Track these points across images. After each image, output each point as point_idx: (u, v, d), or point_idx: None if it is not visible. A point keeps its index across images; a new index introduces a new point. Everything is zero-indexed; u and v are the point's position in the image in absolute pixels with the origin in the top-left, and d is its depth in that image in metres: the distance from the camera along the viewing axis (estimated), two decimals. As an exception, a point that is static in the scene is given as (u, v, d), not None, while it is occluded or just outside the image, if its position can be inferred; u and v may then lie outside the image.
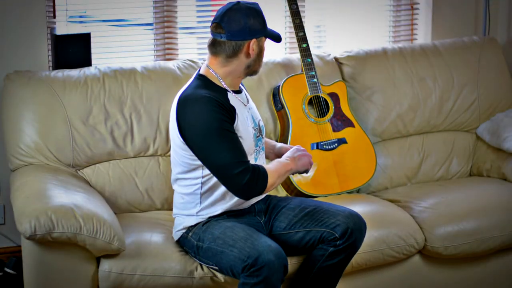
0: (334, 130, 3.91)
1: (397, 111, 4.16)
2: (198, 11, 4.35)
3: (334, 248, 3.17)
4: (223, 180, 3.08)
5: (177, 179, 3.29)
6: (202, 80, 3.19)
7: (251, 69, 3.22)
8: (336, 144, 3.90)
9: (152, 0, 4.19)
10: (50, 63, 3.99)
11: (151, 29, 4.23)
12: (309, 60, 3.91)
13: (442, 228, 3.64)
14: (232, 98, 3.20)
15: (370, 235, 3.48)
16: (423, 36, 4.67)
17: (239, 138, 3.12)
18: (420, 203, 3.80)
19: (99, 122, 3.68)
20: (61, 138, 3.64)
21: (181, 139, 3.14)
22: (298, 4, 4.40)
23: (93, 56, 3.92)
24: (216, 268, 3.16)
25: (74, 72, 3.75)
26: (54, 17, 4.02)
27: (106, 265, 3.16)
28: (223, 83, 3.20)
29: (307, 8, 4.45)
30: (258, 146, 3.28)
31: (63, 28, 4.00)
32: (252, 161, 3.22)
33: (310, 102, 3.93)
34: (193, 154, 3.14)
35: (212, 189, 3.21)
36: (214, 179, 3.17)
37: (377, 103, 4.13)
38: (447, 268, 3.71)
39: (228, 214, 3.24)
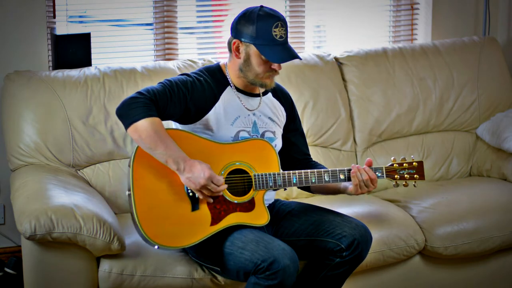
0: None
1: (397, 111, 4.16)
2: (198, 11, 4.35)
3: (340, 259, 3.16)
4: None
5: None
6: (216, 67, 3.25)
7: (245, 74, 3.18)
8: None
9: (152, 0, 4.19)
10: (50, 63, 3.99)
11: (151, 29, 4.23)
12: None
13: (442, 228, 3.64)
14: (231, 93, 3.21)
15: (370, 235, 3.48)
16: (423, 36, 4.67)
17: (211, 125, 3.14)
18: (420, 203, 3.80)
19: (99, 122, 3.68)
20: (61, 138, 3.64)
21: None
22: (298, 4, 4.40)
23: (93, 56, 3.92)
24: (218, 269, 3.15)
25: (74, 72, 3.75)
26: (54, 17, 4.02)
27: (106, 266, 3.16)
28: (228, 76, 3.22)
29: (307, 8, 4.45)
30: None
31: (63, 28, 4.00)
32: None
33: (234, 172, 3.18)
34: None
35: None
36: None
37: (377, 103, 4.13)
38: (447, 269, 3.71)
39: None
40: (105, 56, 4.13)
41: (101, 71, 3.77)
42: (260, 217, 3.15)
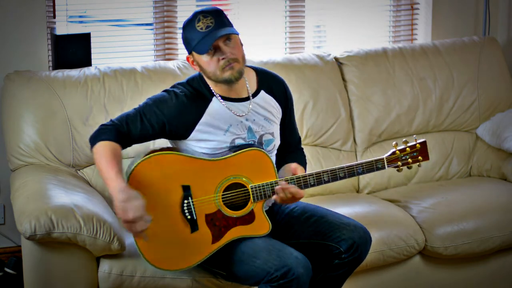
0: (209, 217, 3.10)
1: (397, 111, 4.16)
2: (198, 11, 4.35)
3: (339, 261, 3.14)
4: None
5: None
6: (197, 77, 3.17)
7: (211, 78, 3.09)
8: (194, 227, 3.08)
9: (152, 0, 4.19)
10: (50, 63, 3.99)
11: (151, 29, 4.23)
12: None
13: (442, 228, 3.64)
14: (217, 104, 3.12)
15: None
16: (423, 36, 4.67)
17: (202, 131, 3.09)
18: (420, 203, 3.80)
19: (99, 122, 3.67)
20: (61, 138, 3.64)
21: None
22: (298, 4, 4.41)
23: (93, 56, 3.92)
24: (224, 273, 3.14)
25: (74, 72, 3.75)
26: (54, 17, 4.02)
27: (106, 266, 3.16)
28: (210, 87, 3.14)
29: (307, 8, 4.45)
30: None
31: (63, 28, 4.00)
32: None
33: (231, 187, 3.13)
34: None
35: None
36: None
37: (377, 103, 4.13)
38: (447, 269, 3.71)
39: None
40: (105, 56, 4.13)
41: (101, 71, 3.77)
42: (261, 227, 3.12)
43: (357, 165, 3.20)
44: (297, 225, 3.21)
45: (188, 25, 3.07)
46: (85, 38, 3.87)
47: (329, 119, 4.03)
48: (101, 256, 3.18)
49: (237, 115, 3.15)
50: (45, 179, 3.41)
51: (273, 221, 3.23)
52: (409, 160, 3.21)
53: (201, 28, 3.03)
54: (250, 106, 3.18)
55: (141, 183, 2.99)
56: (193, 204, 3.04)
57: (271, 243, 3.04)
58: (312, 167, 3.92)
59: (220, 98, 3.13)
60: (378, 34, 4.67)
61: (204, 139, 3.11)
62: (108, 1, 4.15)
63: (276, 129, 3.26)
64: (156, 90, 3.74)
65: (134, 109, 3.11)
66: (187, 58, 3.12)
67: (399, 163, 3.21)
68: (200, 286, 3.19)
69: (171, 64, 3.90)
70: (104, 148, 3.00)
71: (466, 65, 4.31)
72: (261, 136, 3.19)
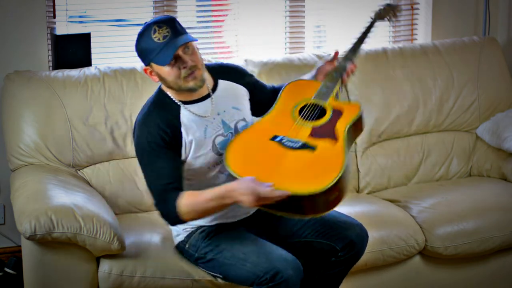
0: (311, 135, 3.12)
1: (397, 111, 4.16)
2: (198, 11, 4.35)
3: (335, 259, 3.15)
4: None
5: None
6: (158, 96, 3.09)
7: (173, 88, 3.03)
8: (298, 145, 3.07)
9: (152, 0, 4.19)
10: (50, 63, 3.99)
11: (151, 29, 4.23)
12: (336, 74, 3.31)
13: (442, 228, 3.64)
14: (185, 113, 3.06)
15: (370, 236, 3.46)
16: (423, 36, 4.67)
17: (194, 153, 3.04)
18: (420, 203, 3.80)
19: (99, 122, 3.68)
20: (61, 138, 3.64)
21: None
22: (298, 4, 4.41)
23: (93, 56, 3.92)
24: (221, 276, 3.14)
25: (74, 72, 3.75)
26: (54, 17, 4.02)
27: (106, 266, 3.16)
28: (172, 97, 3.07)
29: (307, 8, 4.45)
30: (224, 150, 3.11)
31: (63, 28, 4.00)
32: (215, 169, 3.09)
33: (306, 107, 3.25)
34: None
35: None
36: (197, 187, 3.07)
37: (377, 103, 4.13)
38: (447, 269, 3.71)
39: (227, 222, 3.17)
40: (105, 56, 4.13)
41: (101, 71, 3.77)
42: (352, 109, 3.17)
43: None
44: (293, 224, 3.21)
45: (143, 37, 3.00)
46: (85, 38, 3.87)
47: (329, 119, 4.02)
48: (101, 256, 3.18)
49: (204, 116, 3.09)
50: (45, 179, 3.41)
51: (270, 220, 3.24)
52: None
53: (158, 39, 2.97)
54: (212, 101, 3.13)
55: (239, 163, 3.00)
56: (289, 138, 3.06)
57: (261, 245, 3.04)
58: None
59: (184, 105, 3.07)
60: (378, 34, 4.66)
61: (198, 155, 3.07)
62: (108, 1, 4.15)
63: (247, 111, 3.22)
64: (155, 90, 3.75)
65: (155, 162, 2.99)
66: (145, 70, 3.04)
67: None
68: (200, 286, 3.20)
69: (171, 64, 3.89)
70: (185, 202, 2.92)
71: (466, 65, 4.31)
72: (235, 125, 3.15)
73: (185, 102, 3.07)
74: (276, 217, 3.20)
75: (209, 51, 4.34)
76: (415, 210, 3.76)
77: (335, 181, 2.90)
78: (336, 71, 3.29)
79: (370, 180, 4.07)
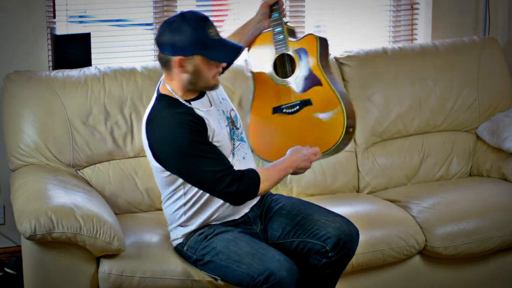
0: (298, 91, 3.49)
1: (397, 111, 4.16)
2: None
3: (327, 260, 3.16)
4: (213, 194, 3.06)
5: (164, 197, 3.25)
6: (164, 100, 3.09)
7: (195, 86, 3.07)
8: (298, 107, 3.48)
9: (152, 0, 4.19)
10: (50, 63, 3.99)
11: (151, 29, 4.23)
12: (277, 14, 3.53)
13: (442, 228, 3.64)
14: (196, 109, 3.10)
15: (370, 235, 3.48)
16: (423, 36, 4.67)
17: (217, 144, 3.08)
18: (420, 203, 3.80)
19: (99, 122, 3.68)
20: (61, 138, 3.64)
21: (156, 162, 3.09)
22: (298, 4, 4.41)
23: (93, 56, 3.92)
24: (218, 278, 3.15)
25: (74, 72, 3.75)
26: (54, 17, 4.02)
27: (106, 266, 3.16)
28: (178, 97, 3.08)
29: (307, 8, 4.45)
30: (234, 140, 3.21)
31: (63, 28, 4.00)
32: (230, 158, 3.14)
33: (275, 63, 3.55)
34: (168, 172, 3.10)
35: (196, 201, 3.16)
36: (195, 190, 3.13)
37: (377, 103, 4.13)
38: (447, 268, 3.71)
39: (224, 224, 3.19)
40: (105, 56, 4.13)
41: (101, 71, 3.77)
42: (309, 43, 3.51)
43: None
44: (284, 223, 3.23)
45: (200, 28, 2.99)
46: (85, 38, 3.87)
47: (329, 119, 4.03)
48: (101, 256, 3.18)
49: (210, 109, 3.15)
50: (45, 179, 3.41)
51: (263, 219, 3.27)
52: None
53: (213, 36, 3.01)
54: (208, 96, 3.19)
55: (265, 151, 3.48)
56: (285, 104, 3.49)
57: (255, 247, 3.05)
58: (312, 167, 3.91)
59: (191, 103, 3.11)
60: (378, 34, 4.67)
61: (219, 145, 3.12)
62: (108, 1, 4.15)
63: (230, 102, 3.34)
64: (156, 90, 3.75)
65: (204, 153, 3.01)
66: (180, 60, 3.00)
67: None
68: (200, 287, 3.20)
69: (171, 64, 3.89)
70: (261, 178, 3.06)
71: (466, 65, 4.31)
72: (230, 112, 3.25)
73: (189, 101, 3.11)
74: (269, 216, 3.26)
75: (209, 51, 4.34)
76: (415, 210, 3.76)
77: (345, 125, 3.40)
78: (273, 13, 3.54)
79: (370, 180, 4.07)
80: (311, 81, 3.47)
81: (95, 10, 4.17)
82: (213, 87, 3.11)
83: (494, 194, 3.93)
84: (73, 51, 3.85)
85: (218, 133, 3.12)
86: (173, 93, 3.09)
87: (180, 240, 3.22)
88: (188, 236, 3.20)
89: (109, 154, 3.71)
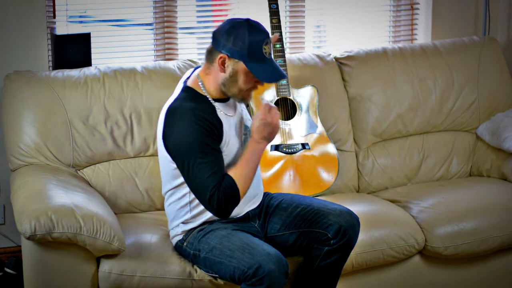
0: (298, 134, 3.83)
1: (397, 111, 4.16)
2: (198, 11, 4.35)
3: (329, 247, 3.18)
4: (199, 200, 3.07)
5: (167, 191, 3.26)
6: (189, 93, 3.11)
7: (227, 89, 3.08)
8: (297, 148, 3.81)
9: (152, 0, 4.19)
10: (50, 63, 3.99)
11: (151, 29, 4.23)
12: (281, 61, 3.80)
13: (442, 228, 3.64)
14: (218, 111, 3.12)
15: (370, 235, 3.48)
16: (423, 36, 4.67)
17: (225, 151, 3.09)
18: (420, 203, 3.80)
19: (99, 122, 3.68)
20: (61, 138, 3.64)
21: (165, 150, 3.11)
22: (298, 4, 4.41)
23: (93, 56, 3.92)
24: (216, 275, 3.16)
25: (74, 72, 3.75)
26: (54, 17, 4.02)
27: (106, 266, 3.16)
28: (205, 93, 3.11)
29: (307, 8, 4.45)
30: None
31: (63, 28, 4.00)
32: None
33: (277, 104, 3.82)
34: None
35: None
36: None
37: (377, 103, 4.13)
38: (447, 268, 3.71)
39: (222, 221, 3.21)
40: (105, 56, 4.13)
41: (101, 71, 3.77)
42: None
43: None
44: (284, 216, 3.26)
45: (257, 40, 3.00)
46: (85, 38, 3.87)
47: (329, 119, 4.03)
48: (101, 256, 3.18)
49: (232, 115, 3.17)
50: (45, 179, 3.41)
51: (264, 215, 3.29)
52: None
53: (266, 53, 3.02)
54: (234, 102, 3.21)
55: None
56: (285, 144, 3.78)
57: (246, 241, 3.07)
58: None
59: (216, 103, 3.13)
60: (378, 34, 4.67)
61: (230, 152, 3.14)
62: (108, 1, 4.15)
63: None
64: (156, 90, 3.76)
65: (208, 159, 3.01)
66: (224, 57, 3.02)
67: None
68: (200, 286, 3.20)
69: (171, 64, 3.90)
70: (236, 181, 3.03)
71: (466, 65, 4.31)
72: (246, 124, 3.26)
73: (216, 100, 3.13)
74: (270, 212, 3.29)
75: (209, 51, 4.34)
76: (415, 210, 3.76)
77: (338, 167, 3.85)
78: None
79: (370, 180, 4.07)
80: (310, 128, 3.83)
81: (95, 10, 4.17)
82: (243, 100, 3.12)
83: (494, 194, 3.93)
84: (73, 51, 3.85)
85: (231, 142, 3.12)
86: (203, 90, 3.11)
87: (180, 237, 3.23)
88: (188, 232, 3.21)
89: (109, 154, 3.71)
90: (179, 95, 3.14)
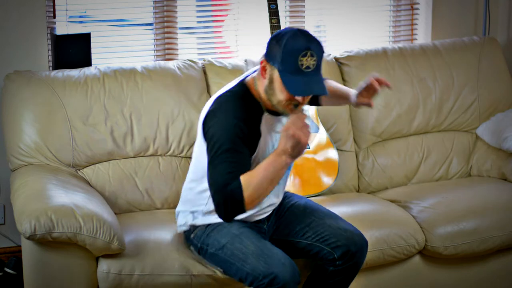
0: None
1: (397, 111, 4.16)
2: (198, 11, 4.35)
3: (333, 268, 3.16)
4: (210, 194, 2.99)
5: (192, 179, 3.21)
6: (244, 90, 3.03)
7: (269, 97, 2.95)
8: None
9: (152, 0, 4.19)
10: (50, 63, 3.99)
11: (151, 29, 4.23)
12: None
13: (442, 228, 3.64)
14: (264, 122, 3.04)
15: (371, 235, 3.48)
16: (423, 36, 4.67)
17: (253, 163, 3.00)
18: (420, 203, 3.80)
19: (99, 122, 3.68)
20: (61, 138, 3.64)
21: (203, 136, 3.04)
22: (298, 4, 4.41)
23: (93, 56, 3.92)
24: (221, 270, 3.17)
25: (74, 72, 3.75)
26: (54, 17, 4.02)
27: (104, 266, 3.16)
28: (258, 98, 3.03)
29: (307, 8, 4.45)
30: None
31: (63, 28, 4.00)
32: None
33: None
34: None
35: None
36: None
37: (377, 103, 4.13)
38: (447, 268, 3.71)
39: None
40: (105, 56, 4.14)
41: (101, 71, 3.77)
42: None
43: None
44: (295, 222, 3.23)
45: (296, 50, 2.85)
46: (85, 38, 3.87)
47: (329, 119, 4.03)
48: (100, 256, 3.18)
49: (275, 131, 3.09)
50: (45, 179, 3.41)
51: (275, 220, 3.27)
52: None
53: (303, 65, 2.86)
54: (283, 120, 3.12)
55: None
56: None
57: (260, 246, 3.04)
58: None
59: (267, 112, 3.04)
60: (378, 34, 4.67)
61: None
62: (108, 1, 4.15)
63: None
64: (156, 90, 3.76)
65: (234, 160, 2.92)
66: (262, 61, 2.94)
67: None
68: (199, 282, 3.20)
69: (171, 64, 3.90)
70: (243, 183, 2.88)
71: (466, 65, 4.31)
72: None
73: (269, 111, 3.05)
74: (282, 212, 3.26)
75: (209, 51, 4.34)
76: (415, 210, 3.76)
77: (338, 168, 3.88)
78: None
79: (370, 180, 4.07)
80: (311, 126, 3.44)
81: (95, 10, 4.18)
82: (282, 112, 3.00)
83: (494, 194, 3.93)
84: (73, 51, 3.86)
85: (264, 156, 3.02)
86: (256, 90, 3.02)
87: (187, 228, 3.23)
88: (195, 227, 3.20)
89: (109, 154, 3.71)
90: (233, 87, 3.06)
